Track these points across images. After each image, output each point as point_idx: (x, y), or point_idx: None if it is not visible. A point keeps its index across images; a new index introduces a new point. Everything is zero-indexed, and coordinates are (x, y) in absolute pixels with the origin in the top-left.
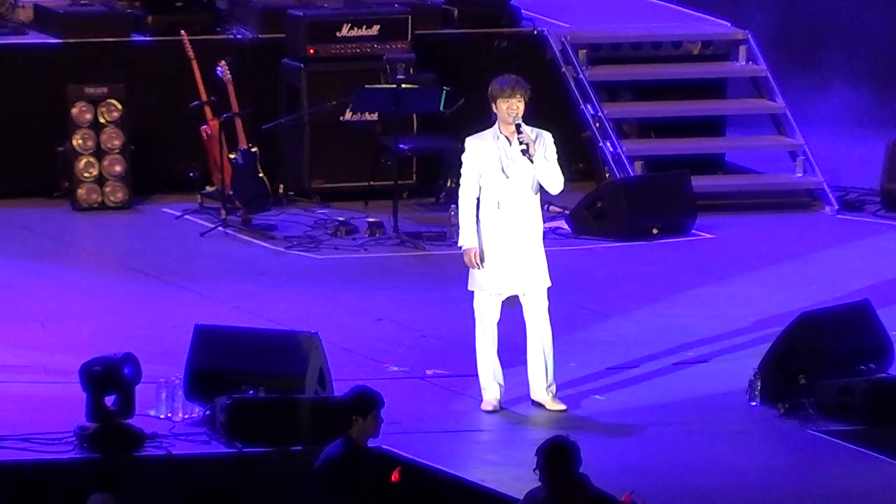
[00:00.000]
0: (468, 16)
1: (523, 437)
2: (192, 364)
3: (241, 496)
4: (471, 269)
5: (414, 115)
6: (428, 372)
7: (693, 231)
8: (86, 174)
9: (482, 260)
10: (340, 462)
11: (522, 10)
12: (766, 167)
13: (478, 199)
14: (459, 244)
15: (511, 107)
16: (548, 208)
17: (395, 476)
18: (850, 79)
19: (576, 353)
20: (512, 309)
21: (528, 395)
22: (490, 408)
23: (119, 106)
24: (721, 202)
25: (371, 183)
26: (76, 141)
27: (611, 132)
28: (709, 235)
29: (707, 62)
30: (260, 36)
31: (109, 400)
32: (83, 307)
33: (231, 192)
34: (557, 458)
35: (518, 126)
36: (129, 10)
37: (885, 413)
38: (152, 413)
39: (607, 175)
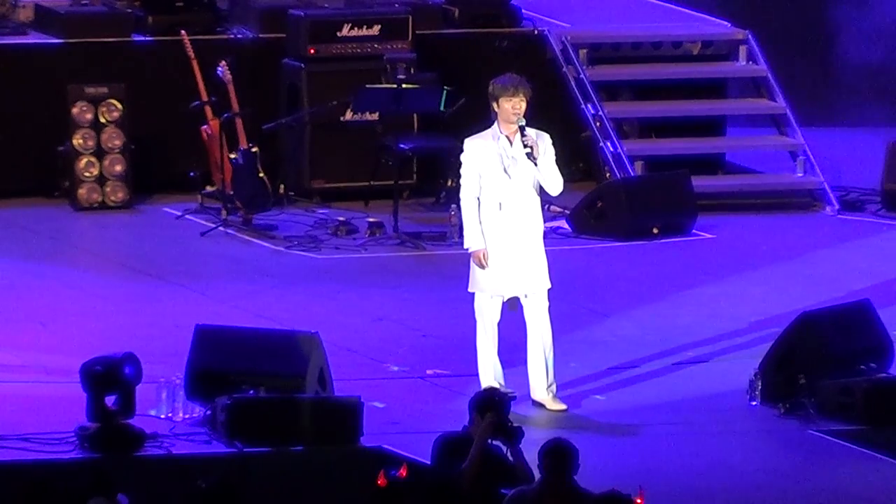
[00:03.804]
0: (468, 16)
1: (524, 437)
2: (193, 364)
3: (241, 495)
4: (471, 271)
5: (414, 115)
6: (428, 372)
7: (693, 231)
8: (86, 174)
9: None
10: (448, 442)
11: (523, 10)
12: (767, 167)
13: (478, 199)
14: (466, 246)
15: (514, 106)
16: (548, 208)
17: (381, 480)
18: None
19: (576, 353)
20: (513, 312)
21: (529, 395)
22: None
23: (119, 106)
24: (721, 202)
25: (371, 183)
26: (76, 141)
27: (611, 132)
28: (709, 235)
29: (707, 62)
30: (260, 36)
31: (110, 400)
32: (83, 307)
33: (231, 192)
34: (556, 460)
35: (522, 128)
36: (129, 10)
37: (886, 413)
38: (153, 413)
39: (608, 175)
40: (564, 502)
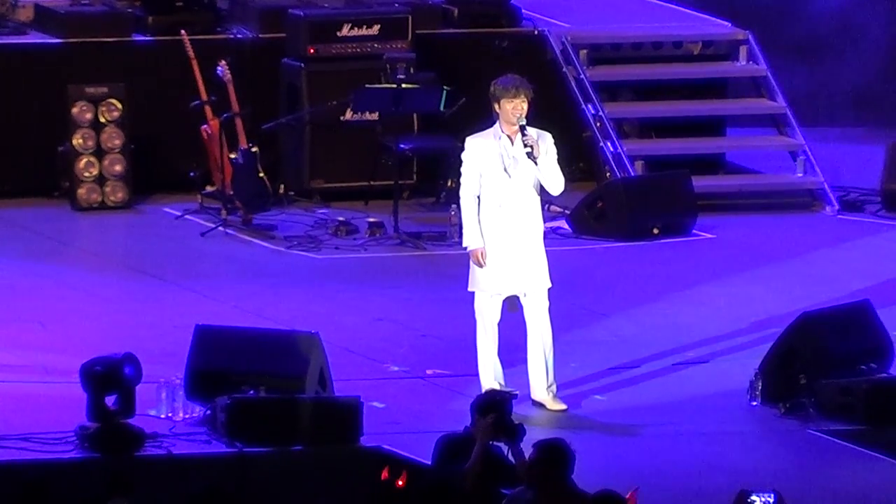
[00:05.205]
0: (468, 16)
1: (525, 435)
2: (193, 364)
3: (241, 496)
4: (471, 270)
5: (414, 115)
6: (428, 372)
7: (693, 231)
8: (86, 174)
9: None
10: (450, 443)
11: (523, 10)
12: (767, 167)
13: (478, 198)
14: (464, 245)
15: (515, 107)
16: (548, 208)
17: (401, 481)
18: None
19: (576, 353)
20: (513, 313)
21: (529, 395)
22: None
23: (119, 106)
24: (721, 202)
25: (371, 183)
26: (76, 141)
27: (611, 132)
28: (709, 235)
29: (707, 62)
30: (260, 36)
31: (110, 400)
32: (83, 307)
33: (231, 192)
34: (545, 459)
35: (522, 127)
36: (129, 10)
37: (886, 413)
38: (153, 413)
39: (608, 175)
40: (558, 502)
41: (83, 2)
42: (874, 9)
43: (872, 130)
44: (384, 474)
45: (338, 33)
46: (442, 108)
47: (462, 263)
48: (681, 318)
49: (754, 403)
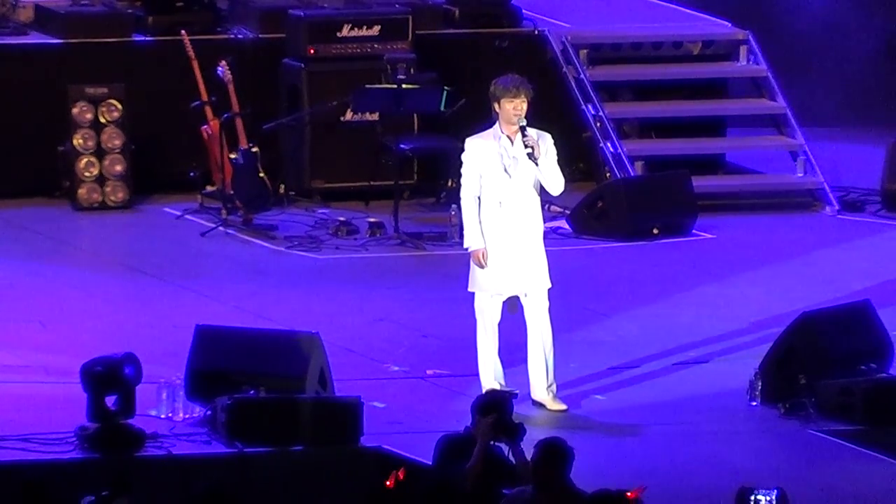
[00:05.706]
0: (469, 16)
1: (525, 434)
2: (193, 364)
3: (241, 496)
4: (471, 270)
5: (414, 115)
6: (428, 372)
7: (693, 231)
8: (86, 174)
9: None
10: (450, 443)
11: (523, 10)
12: (767, 167)
13: (478, 198)
14: (466, 245)
15: (516, 107)
16: (548, 208)
17: (390, 482)
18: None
19: (576, 353)
20: (513, 314)
21: (529, 394)
22: None
23: (119, 106)
24: (721, 202)
25: (372, 183)
26: (77, 141)
27: (611, 132)
28: (709, 235)
29: (707, 62)
30: (260, 36)
31: (110, 400)
32: (83, 307)
33: (232, 192)
34: (549, 458)
35: (523, 128)
36: (129, 10)
37: (886, 413)
38: (153, 413)
39: (608, 175)
40: (558, 502)
41: (83, 2)
42: (874, 8)
43: (872, 130)
44: (391, 482)
45: (338, 34)
46: (442, 109)
47: (462, 263)
48: (681, 318)
49: (754, 403)
